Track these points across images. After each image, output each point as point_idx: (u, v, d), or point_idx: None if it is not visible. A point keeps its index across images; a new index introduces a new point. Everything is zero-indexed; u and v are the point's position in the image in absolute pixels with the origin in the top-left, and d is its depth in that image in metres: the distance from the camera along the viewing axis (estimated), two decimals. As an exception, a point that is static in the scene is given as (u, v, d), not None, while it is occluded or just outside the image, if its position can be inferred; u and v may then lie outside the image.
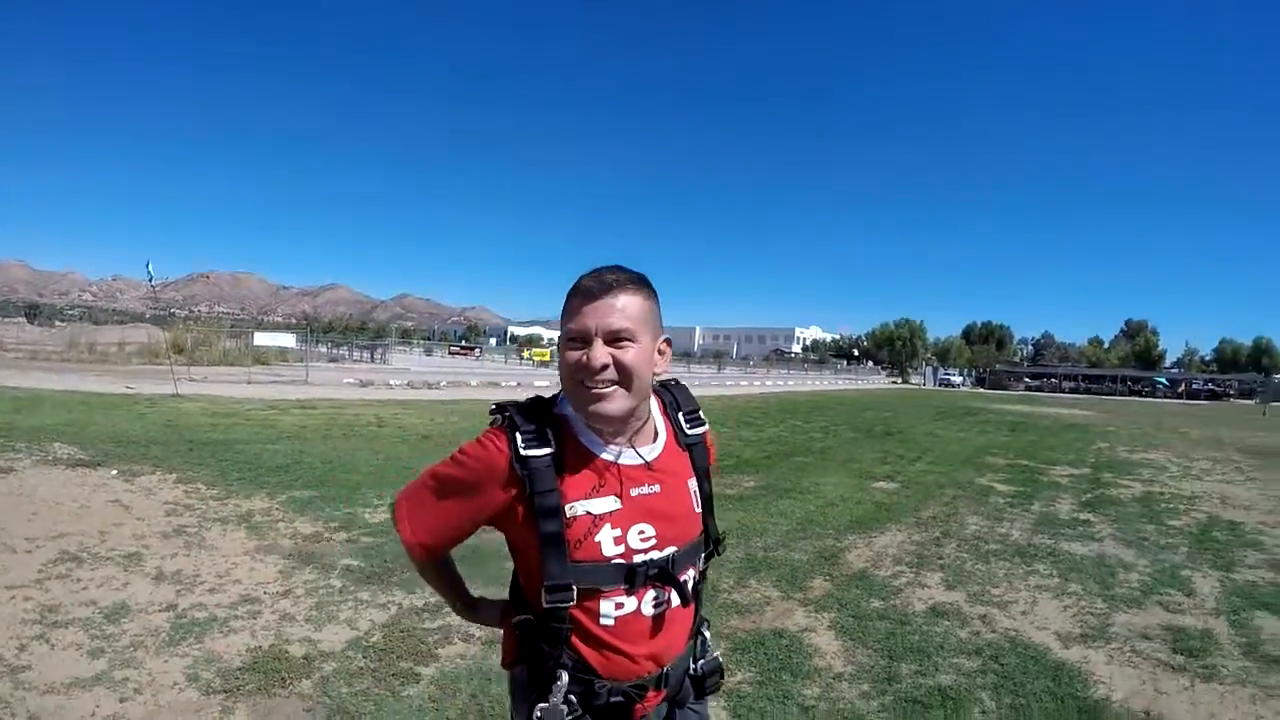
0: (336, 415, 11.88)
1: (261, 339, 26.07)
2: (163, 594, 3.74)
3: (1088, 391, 54.33)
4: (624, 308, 1.21)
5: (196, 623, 3.41)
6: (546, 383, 28.53)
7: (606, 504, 1.26)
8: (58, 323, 53.09)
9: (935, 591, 4.43)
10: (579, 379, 1.21)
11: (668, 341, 1.31)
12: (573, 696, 1.27)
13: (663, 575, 1.29)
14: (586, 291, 1.21)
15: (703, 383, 34.69)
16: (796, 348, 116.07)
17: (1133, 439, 15.50)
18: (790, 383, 43.07)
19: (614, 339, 1.20)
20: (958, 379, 62.76)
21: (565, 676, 1.27)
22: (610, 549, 1.25)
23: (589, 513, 1.25)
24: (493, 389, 23.43)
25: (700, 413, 1.40)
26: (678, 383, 1.44)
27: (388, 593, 3.94)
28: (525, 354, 61.27)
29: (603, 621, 1.28)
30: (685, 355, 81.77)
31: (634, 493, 1.28)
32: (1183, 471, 10.29)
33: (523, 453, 1.23)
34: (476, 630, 3.52)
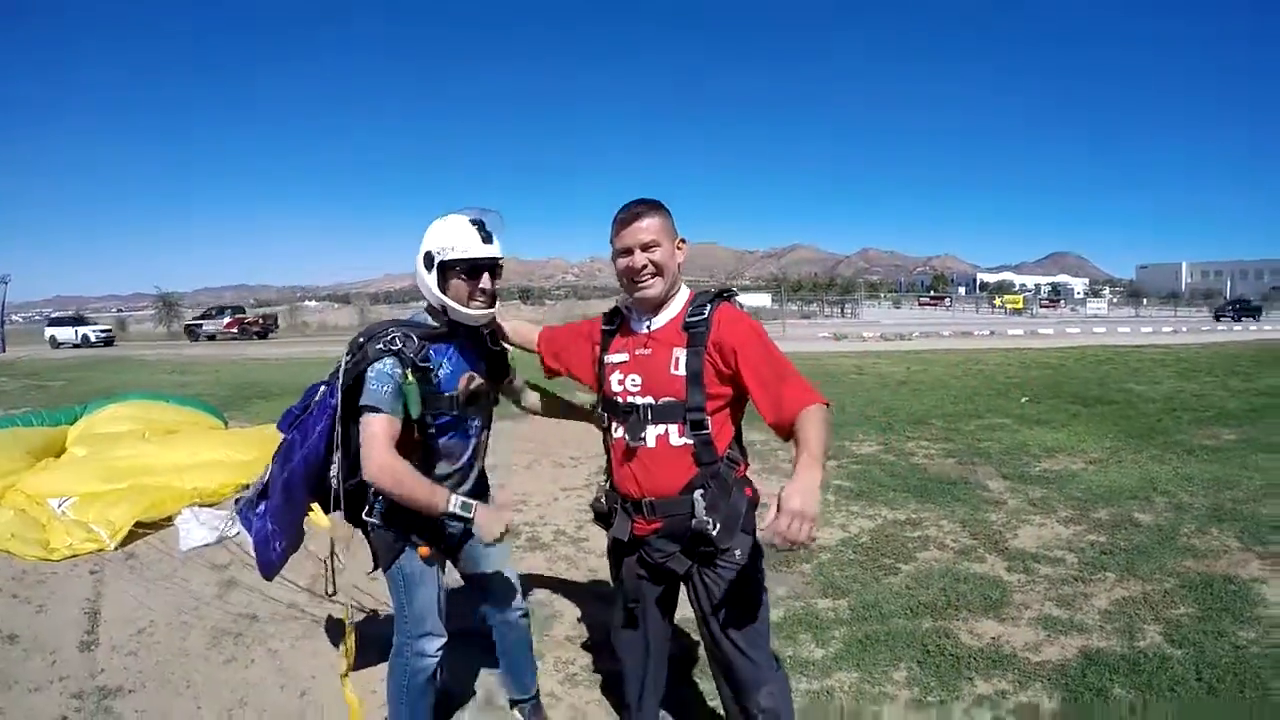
0: (815, 366, 13.20)
1: (739, 300, 29.42)
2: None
3: None
4: (648, 226, 1.82)
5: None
6: (1020, 331, 26.15)
7: (620, 357, 1.90)
8: (547, 301, 60.67)
9: None
10: (630, 277, 1.84)
11: (683, 241, 1.90)
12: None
13: (631, 412, 1.84)
14: (623, 220, 1.84)
15: (1192, 328, 27.48)
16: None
17: None
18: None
19: (646, 247, 1.81)
20: None
21: (603, 478, 2.00)
22: (614, 387, 1.90)
23: (609, 361, 1.92)
24: (964, 339, 22.38)
25: (708, 305, 1.84)
26: (725, 294, 1.91)
27: (874, 508, 4.79)
28: (998, 301, 55.84)
29: (611, 439, 1.92)
30: (1172, 296, 66.10)
31: (637, 352, 1.88)
32: None
33: (602, 328, 1.99)
34: (951, 542, 4.12)
